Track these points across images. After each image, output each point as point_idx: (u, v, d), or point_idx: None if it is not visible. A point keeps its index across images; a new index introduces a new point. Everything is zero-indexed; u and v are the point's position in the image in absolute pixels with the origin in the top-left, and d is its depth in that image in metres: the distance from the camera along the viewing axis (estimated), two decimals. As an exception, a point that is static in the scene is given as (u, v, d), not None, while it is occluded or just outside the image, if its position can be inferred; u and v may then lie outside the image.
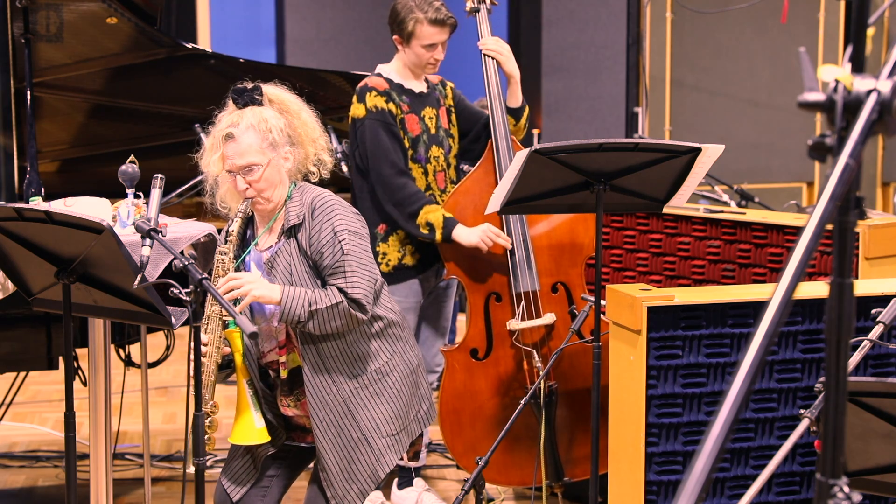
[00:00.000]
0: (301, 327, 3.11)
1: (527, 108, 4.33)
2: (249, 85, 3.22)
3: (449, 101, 4.38)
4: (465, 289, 4.20)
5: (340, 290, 3.09)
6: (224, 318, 3.14)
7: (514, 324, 4.15)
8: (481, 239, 4.07)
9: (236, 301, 3.08)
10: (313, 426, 3.19)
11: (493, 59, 4.24)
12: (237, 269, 3.19)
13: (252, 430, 3.20)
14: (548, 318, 4.17)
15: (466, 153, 4.46)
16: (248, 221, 3.29)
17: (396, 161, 4.09)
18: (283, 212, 3.19)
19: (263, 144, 3.12)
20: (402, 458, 3.35)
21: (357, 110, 4.13)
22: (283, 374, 3.25)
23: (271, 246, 3.22)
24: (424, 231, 4.10)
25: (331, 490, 3.21)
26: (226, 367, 3.24)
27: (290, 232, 3.16)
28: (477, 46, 4.26)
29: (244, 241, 3.28)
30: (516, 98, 4.27)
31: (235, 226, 3.16)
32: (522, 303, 4.16)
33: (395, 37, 4.22)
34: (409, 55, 4.20)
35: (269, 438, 3.22)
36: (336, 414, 3.19)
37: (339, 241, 3.11)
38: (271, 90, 3.24)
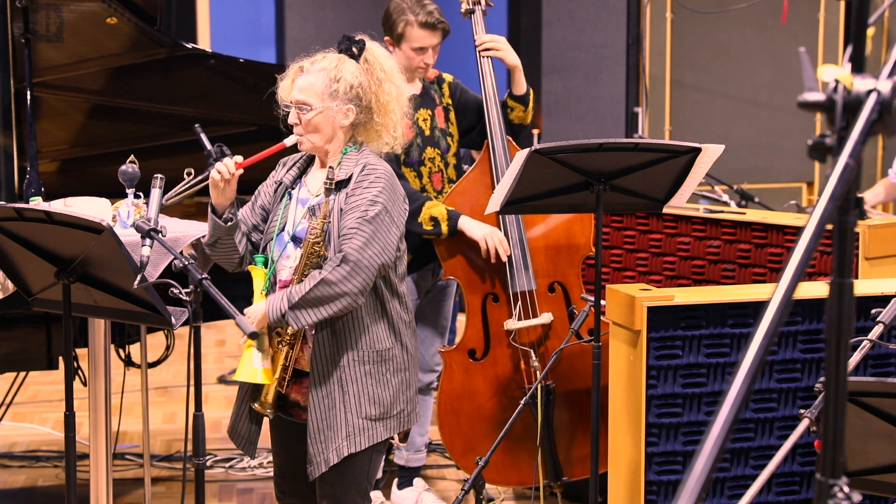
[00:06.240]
0: (295, 321, 3.08)
1: (531, 93, 4.31)
2: (359, 37, 3.25)
3: (447, 99, 4.37)
4: (462, 289, 4.20)
5: (340, 250, 3.09)
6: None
7: (511, 324, 4.15)
8: (485, 237, 4.08)
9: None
10: (311, 378, 3.19)
11: (489, 58, 4.24)
12: (281, 202, 3.29)
13: (251, 367, 3.15)
14: (545, 317, 4.17)
15: (477, 144, 4.42)
16: (310, 161, 3.34)
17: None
18: (338, 165, 3.19)
19: (325, 91, 3.17)
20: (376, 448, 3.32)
21: None
22: None
23: (319, 194, 3.23)
24: (429, 227, 4.09)
25: (312, 448, 3.20)
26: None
27: (338, 186, 3.18)
28: (473, 48, 4.26)
29: (298, 179, 3.34)
30: (521, 86, 4.27)
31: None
32: (519, 303, 4.16)
33: (386, 38, 4.21)
34: (400, 57, 4.18)
35: (270, 380, 3.18)
36: (330, 378, 3.17)
37: (368, 209, 3.10)
38: (376, 50, 3.27)
